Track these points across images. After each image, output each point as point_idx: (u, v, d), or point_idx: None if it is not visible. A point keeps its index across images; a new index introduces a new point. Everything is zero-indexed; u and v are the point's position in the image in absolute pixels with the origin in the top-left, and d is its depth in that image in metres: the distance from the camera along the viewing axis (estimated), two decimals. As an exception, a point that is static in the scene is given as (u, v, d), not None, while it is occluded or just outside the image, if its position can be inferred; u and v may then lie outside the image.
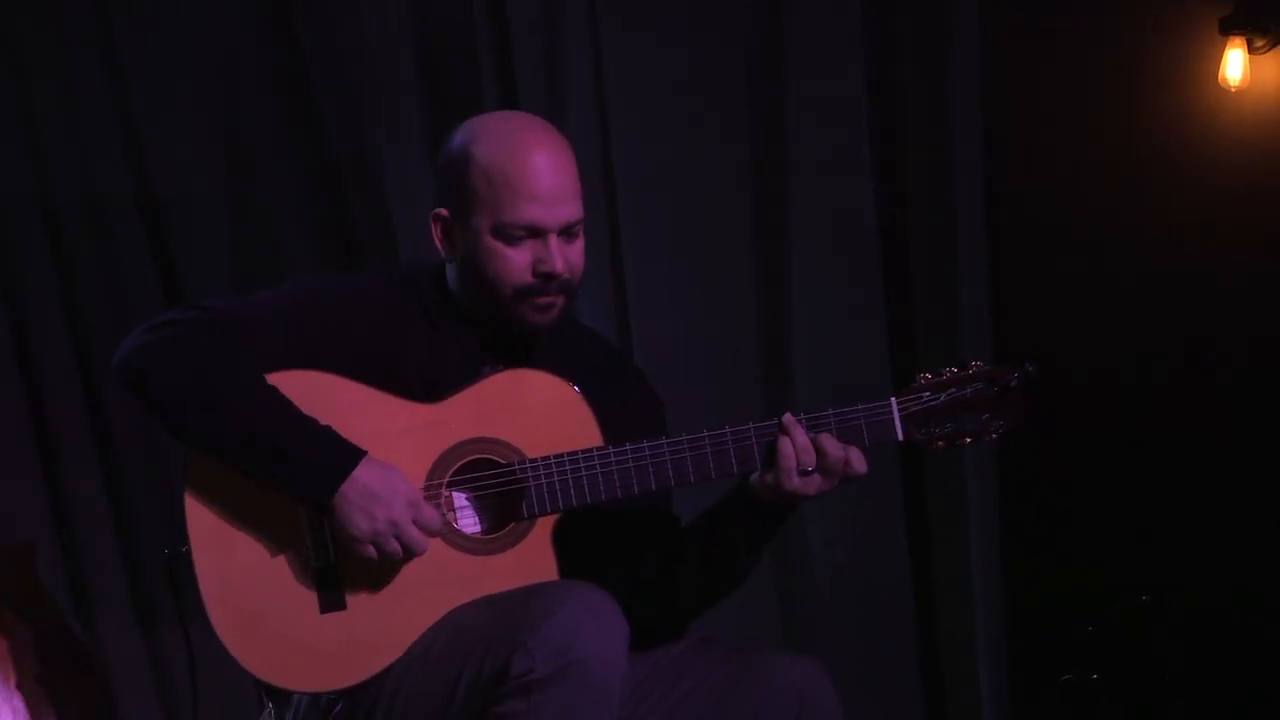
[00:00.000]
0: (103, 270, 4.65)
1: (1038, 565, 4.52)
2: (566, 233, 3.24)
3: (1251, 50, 4.49)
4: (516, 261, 3.23)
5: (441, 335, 3.29)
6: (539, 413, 3.22)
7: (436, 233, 3.30)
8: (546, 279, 3.22)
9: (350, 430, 3.15)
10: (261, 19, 4.67)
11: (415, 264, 3.42)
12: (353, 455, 3.12)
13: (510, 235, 3.22)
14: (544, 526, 3.20)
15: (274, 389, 3.14)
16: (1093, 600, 4.44)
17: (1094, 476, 4.50)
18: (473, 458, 3.21)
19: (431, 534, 3.15)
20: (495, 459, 3.21)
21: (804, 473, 3.16)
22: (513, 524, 3.20)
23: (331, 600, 3.16)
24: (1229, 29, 4.48)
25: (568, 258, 3.24)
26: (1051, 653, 4.48)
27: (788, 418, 3.18)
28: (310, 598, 3.16)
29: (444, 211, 3.28)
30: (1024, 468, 4.42)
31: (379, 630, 3.16)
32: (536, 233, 3.22)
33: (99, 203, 4.65)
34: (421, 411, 3.20)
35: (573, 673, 2.98)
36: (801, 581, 4.53)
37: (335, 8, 4.60)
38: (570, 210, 3.24)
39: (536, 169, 3.22)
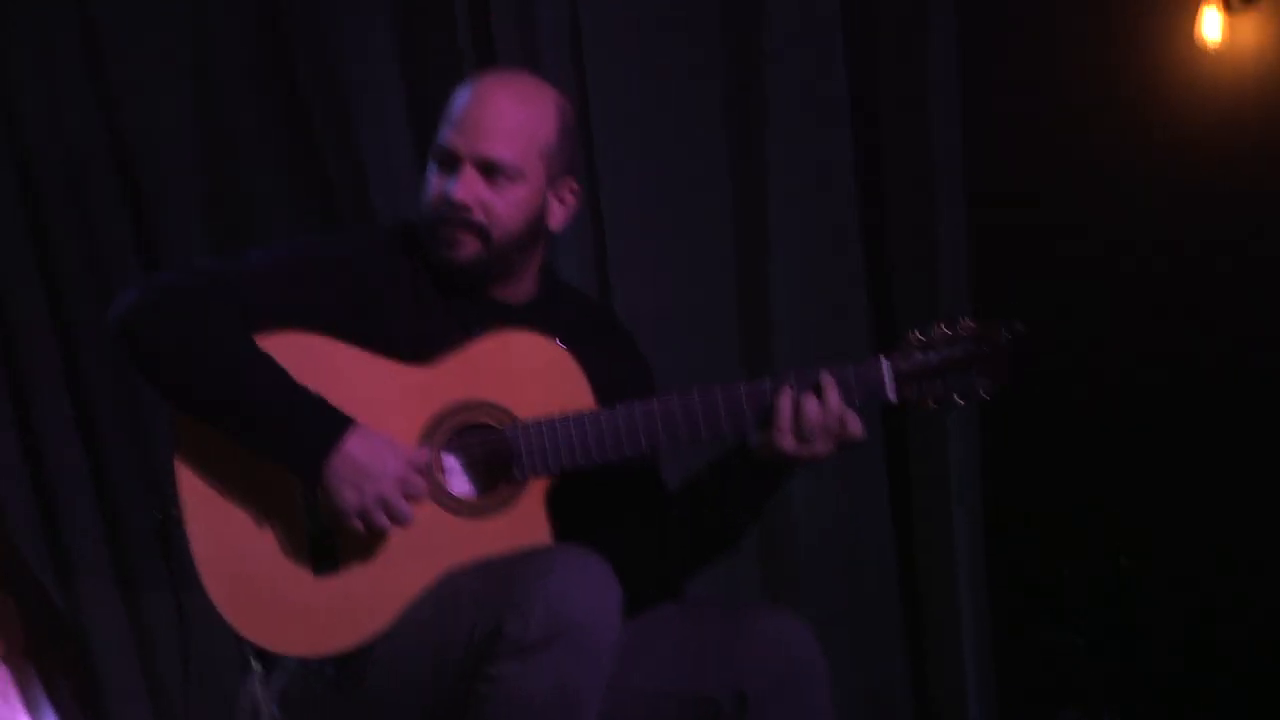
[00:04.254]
0: (77, 228, 4.62)
1: (1019, 523, 4.53)
2: (487, 171, 3.23)
3: (1229, 10, 4.48)
4: (433, 186, 3.26)
5: (429, 294, 3.28)
6: (529, 374, 3.21)
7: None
8: (448, 206, 3.22)
9: (340, 393, 3.14)
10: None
11: (400, 221, 3.40)
12: (340, 425, 3.10)
13: (436, 158, 3.25)
14: (536, 489, 3.20)
15: (265, 355, 3.13)
16: (1073, 559, 4.45)
17: (1075, 436, 4.50)
18: (464, 420, 3.20)
19: (420, 503, 3.15)
20: (486, 421, 3.20)
21: (800, 436, 3.15)
22: (504, 487, 3.20)
23: (324, 564, 3.17)
24: (1205, -13, 4.48)
25: (480, 196, 3.23)
26: (1033, 611, 4.50)
27: (778, 377, 3.17)
28: (303, 562, 3.16)
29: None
30: (1005, 426, 4.43)
31: (372, 594, 3.16)
32: (452, 160, 3.23)
33: (72, 158, 4.61)
34: (412, 373, 3.20)
35: (566, 635, 2.98)
36: (784, 540, 4.53)
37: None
38: (489, 147, 3.22)
39: (466, 97, 3.26)
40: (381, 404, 3.16)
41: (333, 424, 3.11)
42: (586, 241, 4.50)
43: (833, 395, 3.15)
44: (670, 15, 4.50)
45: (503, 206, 3.24)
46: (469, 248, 3.24)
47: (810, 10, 4.44)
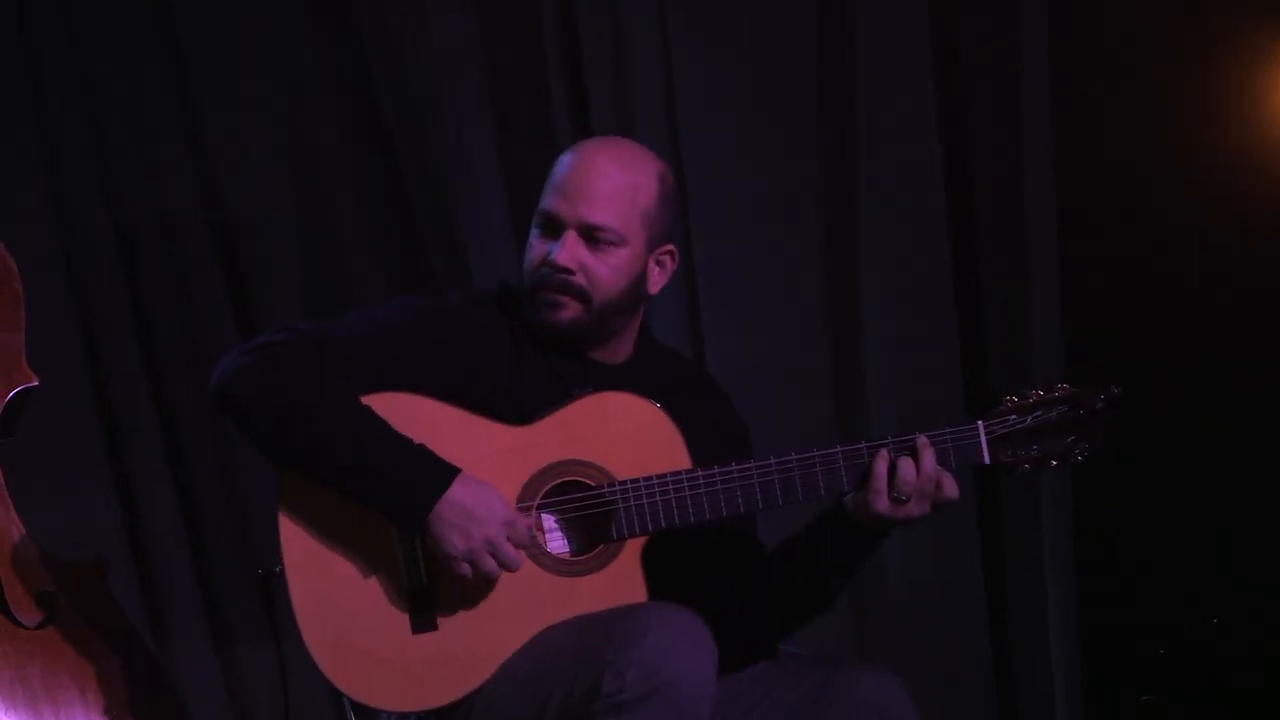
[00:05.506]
0: (175, 292, 4.66)
1: (1111, 584, 4.51)
2: (589, 236, 3.27)
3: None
4: (535, 250, 3.30)
5: (528, 356, 3.32)
6: (627, 435, 3.24)
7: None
8: (551, 269, 3.26)
9: (441, 452, 3.17)
10: (330, 41, 4.67)
11: (499, 284, 3.45)
12: (448, 473, 3.14)
13: (539, 224, 3.30)
14: (633, 548, 3.22)
15: (368, 409, 3.17)
16: (1166, 621, 4.43)
17: (1168, 495, 4.48)
18: (562, 480, 3.23)
19: (526, 550, 3.18)
20: (584, 481, 3.23)
21: (895, 498, 3.18)
22: (601, 546, 3.22)
23: (423, 620, 3.19)
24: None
25: (582, 260, 3.27)
26: (1126, 673, 4.47)
27: (876, 441, 3.20)
28: (402, 617, 3.19)
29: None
30: (1098, 486, 4.42)
31: (469, 651, 3.18)
32: (555, 224, 3.27)
33: (170, 228, 4.66)
34: (511, 433, 3.23)
35: (662, 693, 3.00)
36: (877, 599, 4.54)
37: (404, 28, 4.61)
38: (592, 212, 3.27)
39: (569, 163, 3.31)
40: (481, 463, 3.19)
41: (439, 471, 3.14)
42: (680, 303, 4.53)
43: (928, 458, 3.18)
44: (764, 87, 4.55)
45: (604, 271, 3.28)
46: (570, 311, 3.28)
47: (904, 92, 4.50)
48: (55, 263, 4.56)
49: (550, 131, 4.56)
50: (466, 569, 3.15)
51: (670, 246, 3.37)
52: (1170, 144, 4.51)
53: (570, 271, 3.27)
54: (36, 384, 3.64)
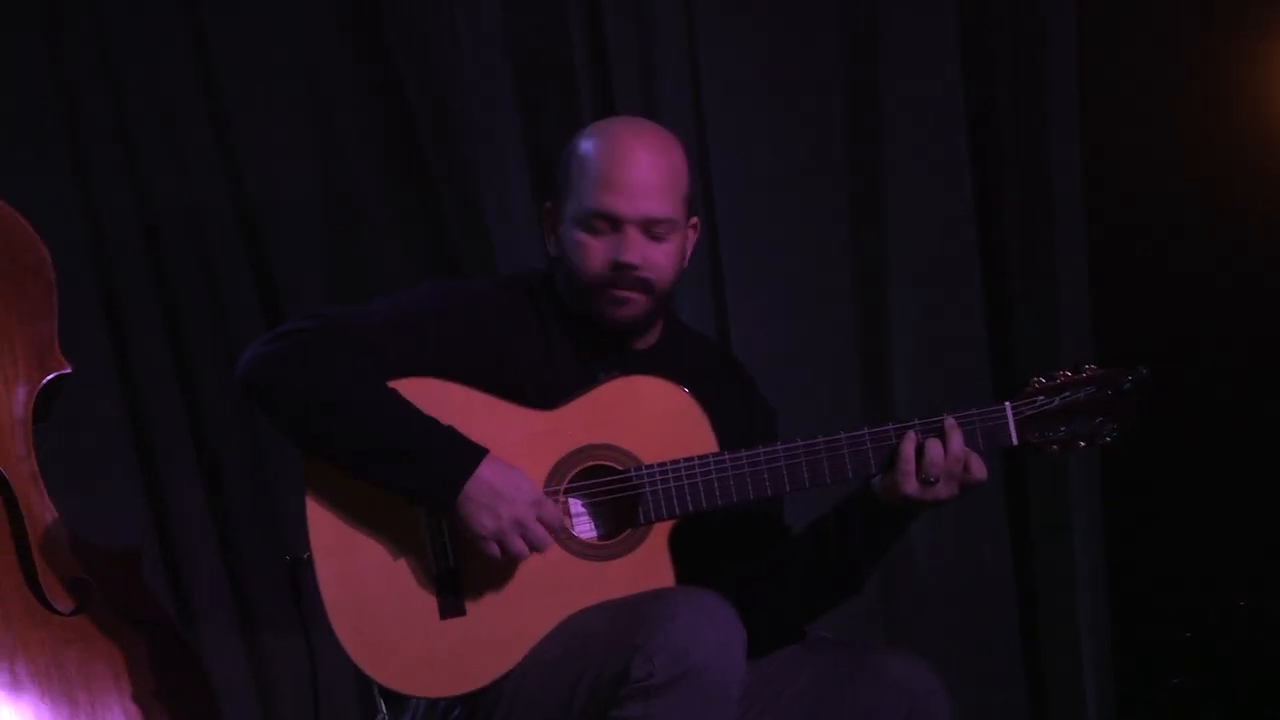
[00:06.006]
0: (202, 282, 4.67)
1: (1140, 566, 4.51)
2: (649, 230, 3.27)
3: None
4: (595, 250, 3.28)
5: (555, 340, 3.32)
6: (654, 418, 3.24)
7: (545, 226, 3.36)
8: (619, 270, 3.26)
9: (469, 436, 3.18)
10: (354, 32, 4.68)
11: (525, 269, 3.46)
12: (476, 454, 3.15)
13: (590, 224, 3.27)
14: (660, 532, 3.23)
15: (395, 393, 3.18)
16: (1194, 603, 4.43)
17: (1196, 477, 4.48)
18: (589, 464, 3.24)
19: (554, 531, 3.18)
20: (611, 465, 3.24)
21: (924, 479, 3.18)
22: (629, 530, 3.23)
23: (451, 605, 3.20)
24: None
25: (646, 254, 3.27)
26: (1155, 656, 4.47)
27: (902, 422, 3.20)
28: (430, 603, 3.20)
29: (549, 204, 3.36)
30: (1127, 467, 4.42)
31: (497, 636, 3.19)
32: (614, 223, 3.27)
33: (198, 218, 4.67)
34: (538, 418, 3.24)
35: (691, 677, 3.01)
36: (904, 580, 4.54)
37: (430, 17, 4.61)
38: (652, 205, 3.27)
39: (621, 159, 3.28)
40: (508, 448, 3.19)
41: (468, 451, 3.15)
42: (705, 286, 4.54)
43: (956, 439, 3.18)
44: (789, 70, 4.55)
45: (663, 258, 3.29)
46: (637, 305, 3.29)
47: (931, 76, 4.50)
48: (84, 253, 4.57)
49: (576, 117, 4.55)
50: (495, 549, 3.15)
51: (695, 218, 3.39)
52: (1202, 130, 4.50)
53: (637, 267, 3.26)
54: (70, 371, 3.66)
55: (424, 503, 3.18)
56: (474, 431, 3.18)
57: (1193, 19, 4.47)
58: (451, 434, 3.16)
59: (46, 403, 3.65)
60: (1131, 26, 4.50)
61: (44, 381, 3.63)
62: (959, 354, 4.51)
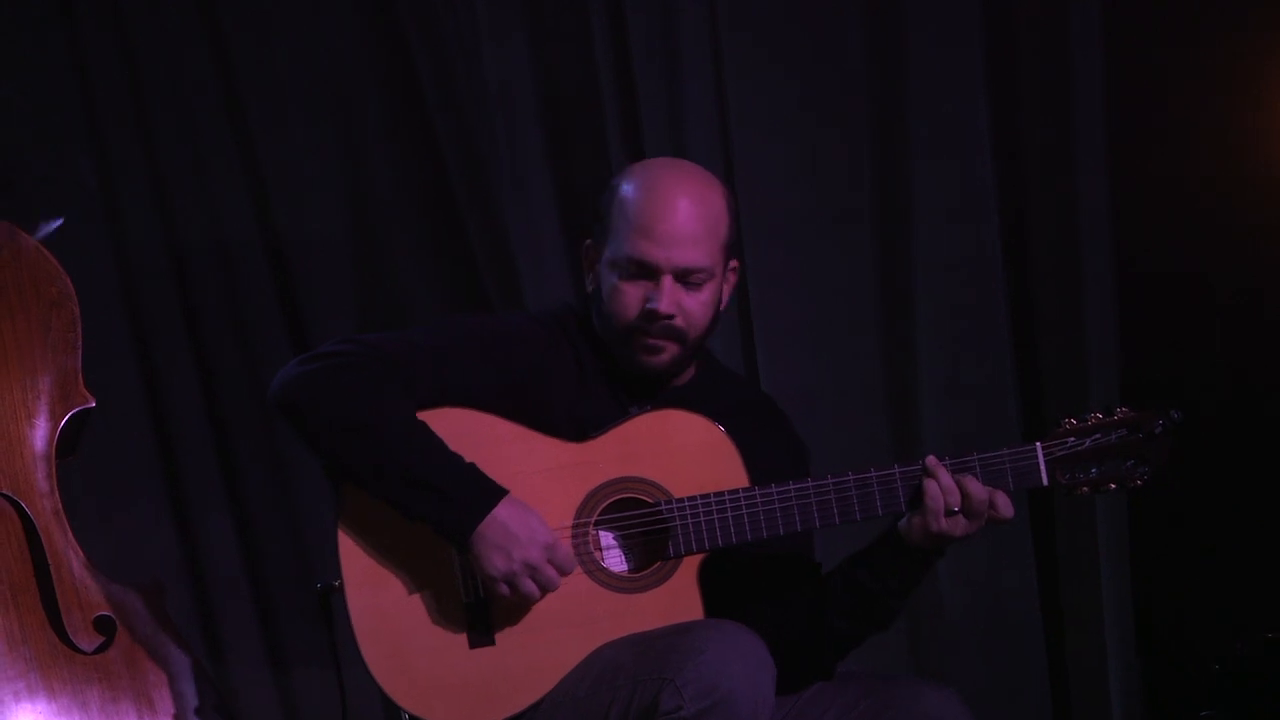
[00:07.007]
0: (229, 313, 4.69)
1: (1167, 600, 4.50)
2: (683, 278, 3.27)
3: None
4: (628, 296, 3.28)
5: (588, 374, 3.33)
6: (685, 453, 3.25)
7: (584, 263, 3.37)
8: (652, 318, 3.26)
9: (498, 468, 3.19)
10: (383, 66, 4.70)
11: (560, 303, 3.47)
12: (494, 494, 3.16)
13: (626, 270, 3.28)
14: (690, 566, 3.24)
15: (423, 424, 3.19)
16: (1224, 636, 4.41)
17: (1224, 510, 4.47)
18: (620, 497, 3.25)
19: (566, 573, 3.19)
20: (642, 498, 3.24)
21: (950, 513, 3.18)
22: (659, 563, 3.24)
23: (481, 636, 3.21)
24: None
25: (680, 302, 3.27)
26: (1184, 689, 4.46)
27: (932, 460, 3.21)
28: (460, 633, 3.21)
29: (588, 242, 3.37)
30: (1155, 500, 4.40)
31: (527, 667, 3.20)
32: (648, 270, 3.27)
33: (225, 248, 4.69)
34: (570, 450, 3.25)
35: (721, 710, 3.02)
36: (931, 610, 4.54)
37: (458, 50, 4.63)
38: (688, 256, 3.26)
39: (660, 207, 3.27)
40: (539, 479, 3.21)
41: (487, 491, 3.16)
42: (733, 319, 4.54)
43: (985, 480, 3.20)
44: (817, 103, 4.56)
45: (697, 307, 3.29)
46: (669, 353, 3.30)
47: (958, 107, 4.51)
48: (111, 284, 4.60)
49: (603, 149, 4.58)
50: (505, 590, 3.17)
51: (735, 261, 3.39)
52: (1229, 159, 4.49)
53: (672, 316, 3.27)
54: (93, 405, 3.65)
55: (441, 536, 3.19)
56: (506, 463, 3.20)
57: (1223, 46, 4.46)
58: (473, 472, 3.17)
59: (72, 437, 3.65)
60: (1161, 55, 4.50)
61: (67, 416, 3.63)
62: (986, 389, 4.52)
